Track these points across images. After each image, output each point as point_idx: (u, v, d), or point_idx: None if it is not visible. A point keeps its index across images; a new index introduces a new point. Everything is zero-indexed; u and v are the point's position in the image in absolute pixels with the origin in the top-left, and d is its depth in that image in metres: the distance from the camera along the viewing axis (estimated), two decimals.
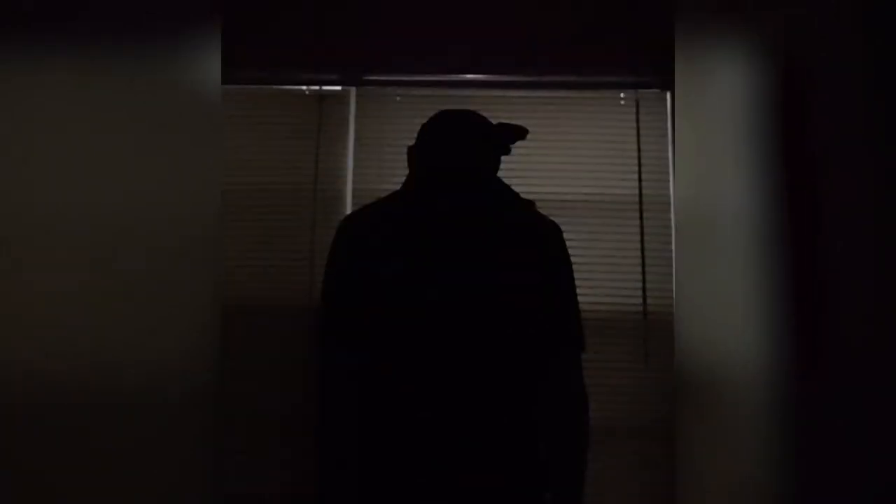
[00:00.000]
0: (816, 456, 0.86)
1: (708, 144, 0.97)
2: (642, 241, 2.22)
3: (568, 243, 1.22)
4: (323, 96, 2.35)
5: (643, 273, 2.20)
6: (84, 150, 0.85)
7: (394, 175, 2.26)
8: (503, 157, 2.27)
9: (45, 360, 0.81)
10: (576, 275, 1.21)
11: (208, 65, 0.89)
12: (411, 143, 1.22)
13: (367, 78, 2.34)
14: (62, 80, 0.85)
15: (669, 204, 2.23)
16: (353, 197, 2.29)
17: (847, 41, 0.92)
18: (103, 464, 0.82)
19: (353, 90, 2.35)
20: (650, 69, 2.29)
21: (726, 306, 0.92)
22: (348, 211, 2.27)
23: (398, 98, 2.35)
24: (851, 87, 0.91)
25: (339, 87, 2.36)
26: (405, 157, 1.23)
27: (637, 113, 2.30)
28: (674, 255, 2.19)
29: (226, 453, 2.09)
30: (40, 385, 0.81)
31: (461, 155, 1.21)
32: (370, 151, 2.31)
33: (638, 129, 2.29)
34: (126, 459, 0.82)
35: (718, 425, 0.92)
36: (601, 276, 2.21)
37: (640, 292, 2.19)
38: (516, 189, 1.26)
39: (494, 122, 1.30)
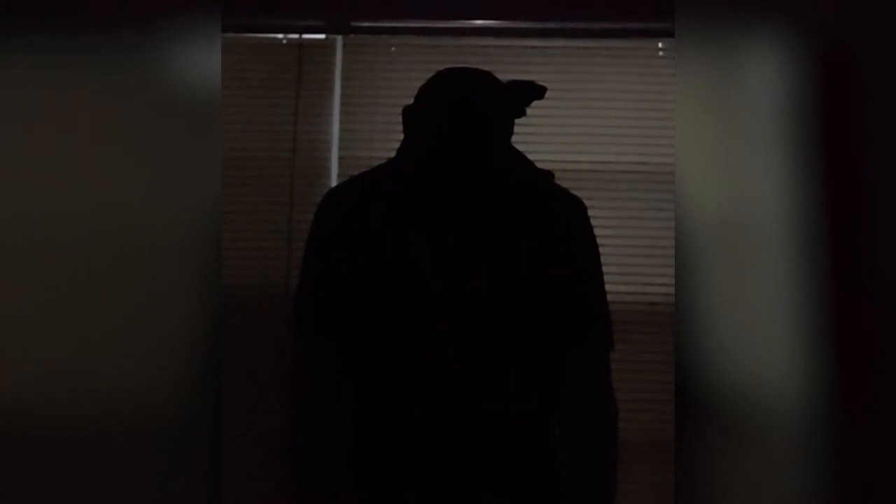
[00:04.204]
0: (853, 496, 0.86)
1: (714, 118, 0.96)
2: None
3: (594, 222, 1.22)
4: (303, 46, 2.34)
5: None
6: (73, 144, 0.88)
7: (387, 141, 2.25)
8: (517, 121, 2.25)
9: (34, 362, 0.87)
10: (603, 259, 1.21)
11: (208, 58, 0.92)
12: (408, 103, 1.22)
13: (355, 24, 2.33)
14: (47, 69, 0.88)
15: None
16: (339, 167, 2.29)
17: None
18: (97, 468, 0.87)
19: (339, 39, 2.34)
20: None
21: (734, 311, 0.92)
22: (333, 184, 2.27)
23: (393, 49, 2.33)
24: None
25: (322, 36, 2.34)
26: (400, 119, 1.23)
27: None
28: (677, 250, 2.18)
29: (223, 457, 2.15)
30: (29, 387, 0.87)
31: (467, 118, 1.20)
32: (359, 113, 2.30)
33: None
34: (122, 465, 0.88)
35: (731, 450, 0.93)
36: (633, 262, 2.20)
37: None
38: (532, 158, 1.25)
39: (506, 78, 1.29)
